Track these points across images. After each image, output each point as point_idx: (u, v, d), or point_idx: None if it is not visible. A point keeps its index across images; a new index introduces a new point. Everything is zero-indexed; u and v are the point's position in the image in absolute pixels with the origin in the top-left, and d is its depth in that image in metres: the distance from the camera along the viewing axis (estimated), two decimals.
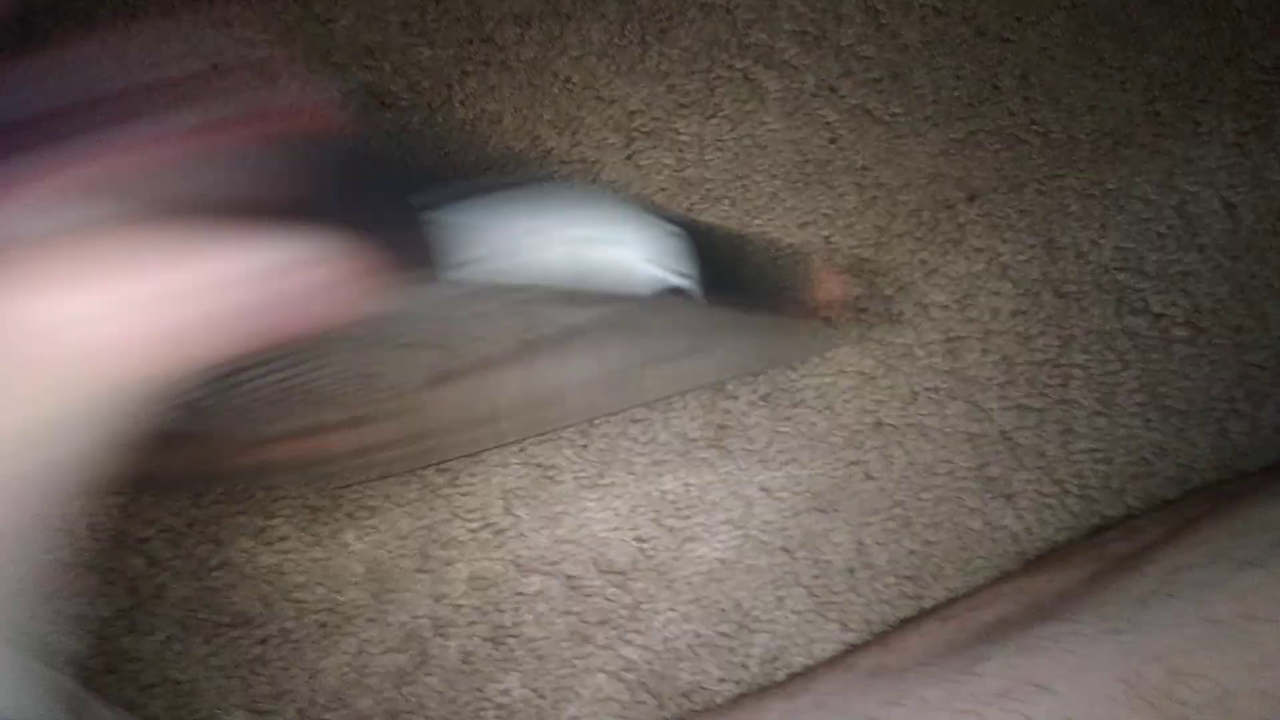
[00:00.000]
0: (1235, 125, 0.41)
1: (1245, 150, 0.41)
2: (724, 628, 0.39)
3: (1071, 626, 0.34)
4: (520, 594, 0.38)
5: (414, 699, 0.37)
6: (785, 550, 0.39)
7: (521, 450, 0.39)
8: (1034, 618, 0.35)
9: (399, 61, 0.39)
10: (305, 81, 0.27)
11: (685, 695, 0.38)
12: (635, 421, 0.39)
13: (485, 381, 0.33)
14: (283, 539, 0.37)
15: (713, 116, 0.41)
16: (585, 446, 0.39)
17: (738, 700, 0.38)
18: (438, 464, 0.38)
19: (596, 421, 0.39)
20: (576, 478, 0.39)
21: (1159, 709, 0.31)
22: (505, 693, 0.38)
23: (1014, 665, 0.33)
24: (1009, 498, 0.39)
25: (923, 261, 0.41)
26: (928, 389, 0.40)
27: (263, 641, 0.37)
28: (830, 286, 0.38)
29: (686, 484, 0.39)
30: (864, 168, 0.41)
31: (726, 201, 0.41)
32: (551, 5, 0.40)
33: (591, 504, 0.39)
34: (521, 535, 0.39)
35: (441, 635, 0.38)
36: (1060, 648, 0.33)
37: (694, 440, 0.39)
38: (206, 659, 0.37)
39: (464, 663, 0.38)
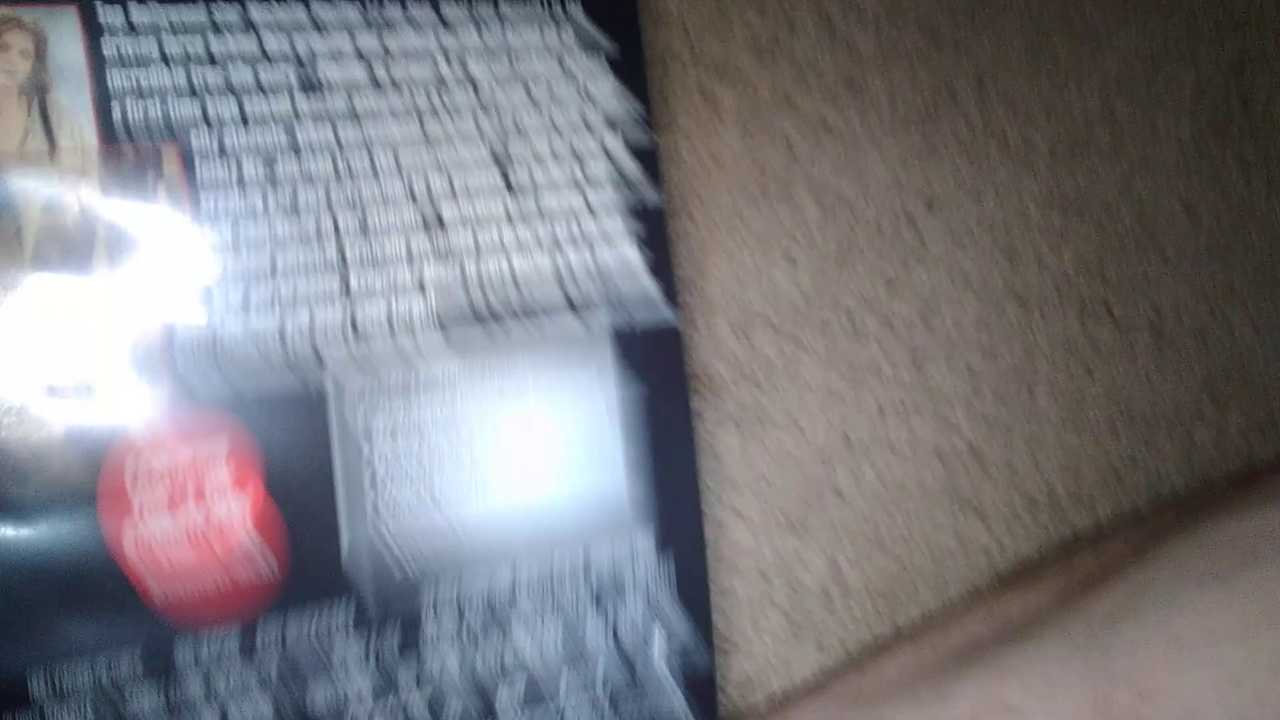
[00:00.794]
0: (1193, 126, 0.40)
1: (1203, 152, 0.40)
2: None
3: (1040, 646, 0.34)
4: None
5: None
6: (759, 573, 0.39)
7: None
8: (1003, 638, 0.35)
9: None
10: None
11: None
12: None
13: None
14: None
15: (668, 130, 0.40)
16: None
17: None
18: None
19: None
20: None
21: None
22: None
23: (984, 687, 0.34)
24: (980, 513, 0.39)
25: (884, 273, 0.40)
26: (895, 403, 0.40)
27: None
28: None
29: None
30: (822, 180, 0.41)
31: (684, 217, 0.40)
32: None
33: None
34: None
35: None
36: (1030, 669, 0.33)
37: None
38: None
39: None
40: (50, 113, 0.24)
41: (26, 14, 0.23)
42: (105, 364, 0.24)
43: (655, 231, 0.30)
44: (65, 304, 0.23)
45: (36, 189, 0.23)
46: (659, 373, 0.30)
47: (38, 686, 0.23)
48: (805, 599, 0.39)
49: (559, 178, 0.28)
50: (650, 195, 0.30)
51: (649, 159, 0.30)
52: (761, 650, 0.39)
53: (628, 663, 0.30)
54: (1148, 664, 0.32)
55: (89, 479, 0.23)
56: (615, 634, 0.30)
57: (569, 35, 0.28)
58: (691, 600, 0.31)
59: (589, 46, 0.29)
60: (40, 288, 0.23)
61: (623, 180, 0.30)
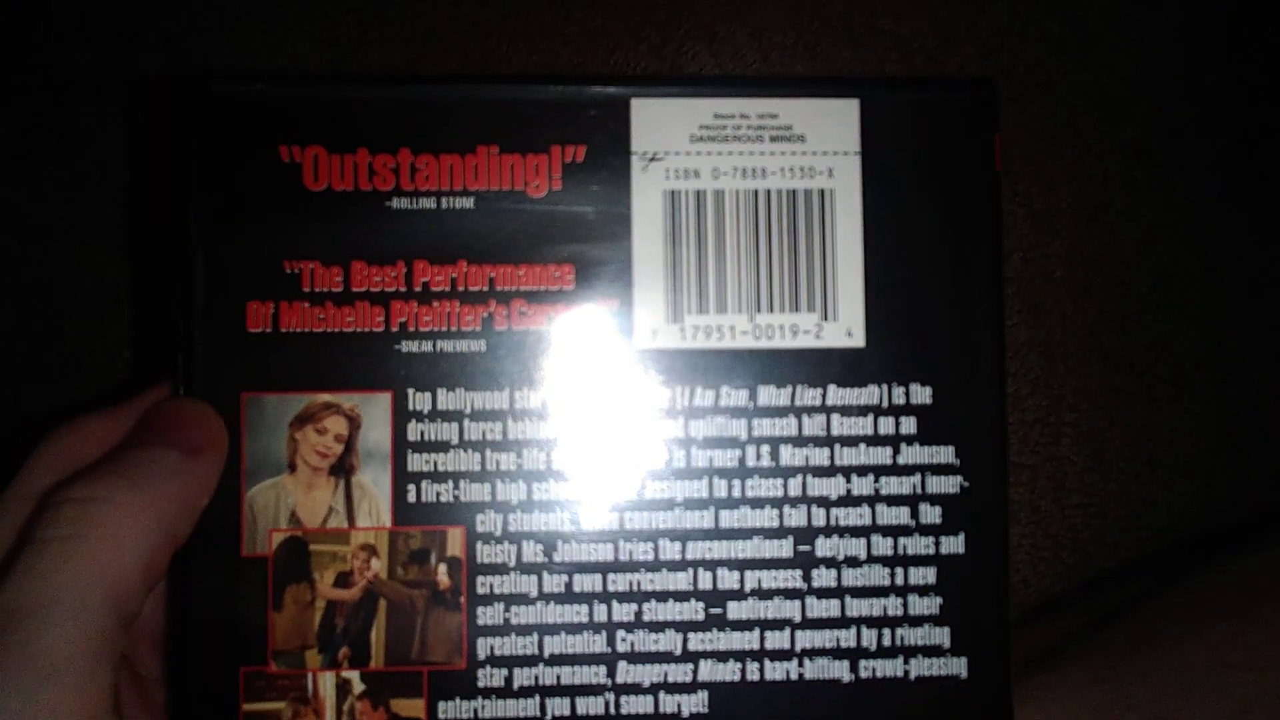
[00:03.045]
0: (1211, 192, 0.43)
1: (1221, 216, 0.43)
2: None
3: (1058, 676, 0.35)
4: None
5: None
6: None
7: None
8: (1023, 668, 0.36)
9: None
10: None
11: None
12: None
13: None
14: None
15: None
16: None
17: None
18: None
19: None
20: None
21: None
22: None
23: None
24: None
25: None
26: None
27: None
28: None
29: None
30: None
31: None
32: None
33: None
34: None
35: None
36: (1048, 697, 0.35)
37: None
38: None
39: None
40: (354, 493, 0.25)
41: (346, 400, 0.25)
42: None
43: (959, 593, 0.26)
44: (341, 675, 0.25)
45: (332, 564, 0.25)
46: None
47: None
48: None
49: (869, 580, 0.26)
50: (956, 548, 0.26)
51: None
52: None
53: None
54: (1161, 692, 0.33)
55: None
56: None
57: (909, 424, 0.26)
58: None
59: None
60: (320, 658, 0.25)
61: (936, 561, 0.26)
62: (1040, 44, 0.42)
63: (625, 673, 0.25)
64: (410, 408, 0.25)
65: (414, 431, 0.25)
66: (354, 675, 0.25)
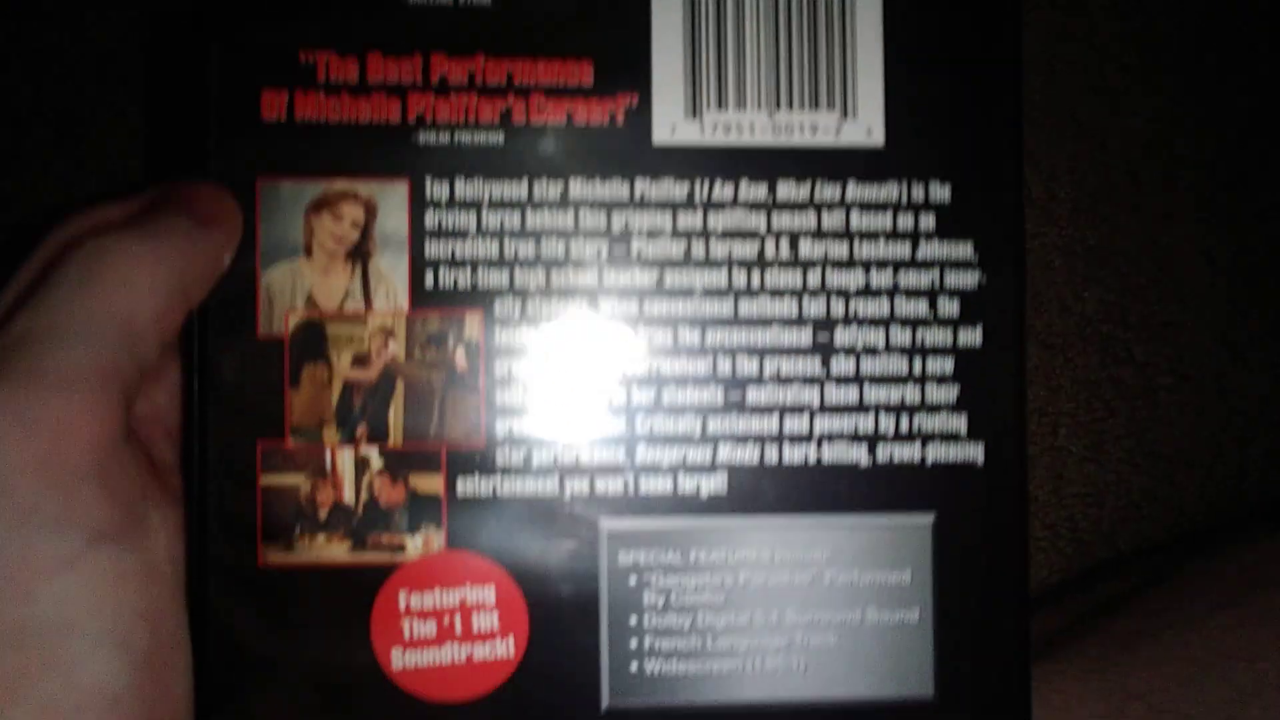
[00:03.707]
0: (1212, 181, 0.43)
1: (1223, 205, 0.42)
2: None
3: (1058, 666, 0.35)
4: None
5: None
6: None
7: None
8: None
9: None
10: None
11: None
12: None
13: None
14: None
15: None
16: None
17: None
18: None
19: None
20: None
21: None
22: None
23: None
24: None
25: None
26: None
27: None
28: None
29: None
30: None
31: None
32: None
33: None
34: None
35: None
36: (1047, 687, 0.35)
37: None
38: None
39: None
40: (370, 277, 0.25)
41: (363, 187, 0.25)
42: (389, 505, 0.25)
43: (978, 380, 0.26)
44: (360, 452, 0.25)
45: (349, 345, 0.25)
46: (984, 577, 0.26)
47: None
48: None
49: (887, 369, 0.26)
50: (974, 340, 0.26)
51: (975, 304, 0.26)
52: None
53: None
54: (1160, 682, 0.33)
55: (365, 604, 0.25)
56: None
57: (928, 221, 0.26)
58: None
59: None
60: (339, 434, 0.25)
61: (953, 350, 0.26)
62: (1041, 32, 0.42)
63: (644, 454, 0.25)
64: (428, 196, 0.25)
65: (431, 219, 0.25)
66: (373, 451, 0.25)
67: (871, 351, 0.26)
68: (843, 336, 0.26)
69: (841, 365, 0.26)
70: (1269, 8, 0.43)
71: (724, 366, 0.26)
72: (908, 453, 0.26)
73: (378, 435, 0.25)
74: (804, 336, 0.26)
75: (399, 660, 0.25)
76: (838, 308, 0.26)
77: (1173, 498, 0.41)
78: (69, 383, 0.21)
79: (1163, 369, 0.41)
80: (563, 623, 0.25)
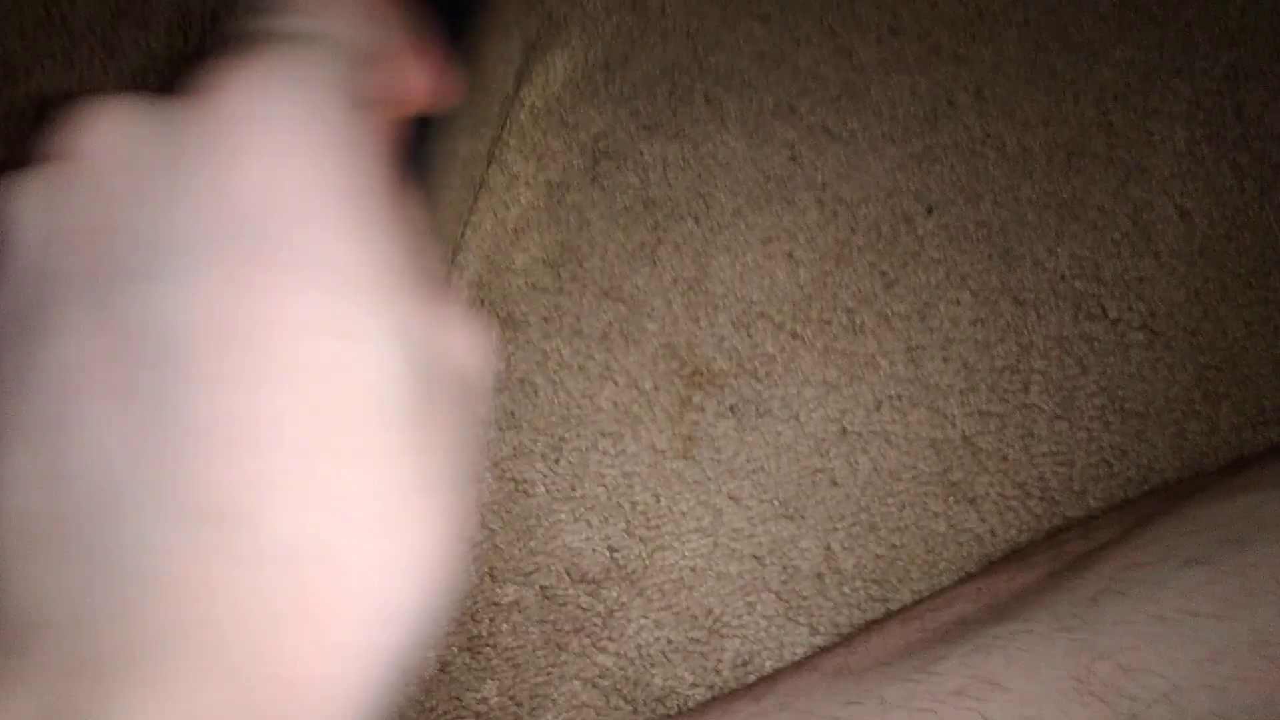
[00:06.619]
0: (1187, 134, 0.42)
1: (1198, 158, 0.41)
2: (695, 633, 0.40)
3: (1026, 625, 0.34)
4: (495, 604, 0.40)
5: (393, 708, 0.39)
6: (754, 557, 0.40)
7: (495, 465, 0.40)
8: (991, 618, 0.35)
9: None
10: None
11: (659, 700, 0.39)
12: (605, 435, 0.41)
13: None
14: None
15: (675, 137, 0.42)
16: (557, 460, 0.40)
17: (708, 704, 0.39)
18: None
19: (565, 437, 0.40)
20: (549, 490, 0.40)
21: (1109, 704, 0.32)
22: (483, 700, 0.39)
23: (970, 664, 0.34)
24: (972, 501, 0.40)
25: (883, 273, 0.42)
26: (891, 397, 0.41)
27: None
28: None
29: (656, 494, 0.40)
30: (824, 184, 0.42)
31: (690, 219, 0.42)
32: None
33: (564, 515, 0.40)
34: (496, 548, 0.40)
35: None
36: (1015, 646, 0.34)
37: (662, 451, 0.41)
38: None
39: (442, 672, 0.39)
40: None
41: None
42: None
43: None
44: None
45: None
46: None
47: None
48: (799, 582, 0.40)
49: None
50: None
51: None
52: (755, 631, 0.39)
53: None
54: (1130, 641, 0.32)
55: None
56: None
57: None
58: None
59: None
60: None
61: None
62: None
63: None
64: None
65: None
66: None
67: None
68: None
69: None
70: None
71: None
72: None
73: None
74: None
75: None
76: None
77: (1144, 455, 0.40)
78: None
79: (1135, 325, 0.41)
80: None
